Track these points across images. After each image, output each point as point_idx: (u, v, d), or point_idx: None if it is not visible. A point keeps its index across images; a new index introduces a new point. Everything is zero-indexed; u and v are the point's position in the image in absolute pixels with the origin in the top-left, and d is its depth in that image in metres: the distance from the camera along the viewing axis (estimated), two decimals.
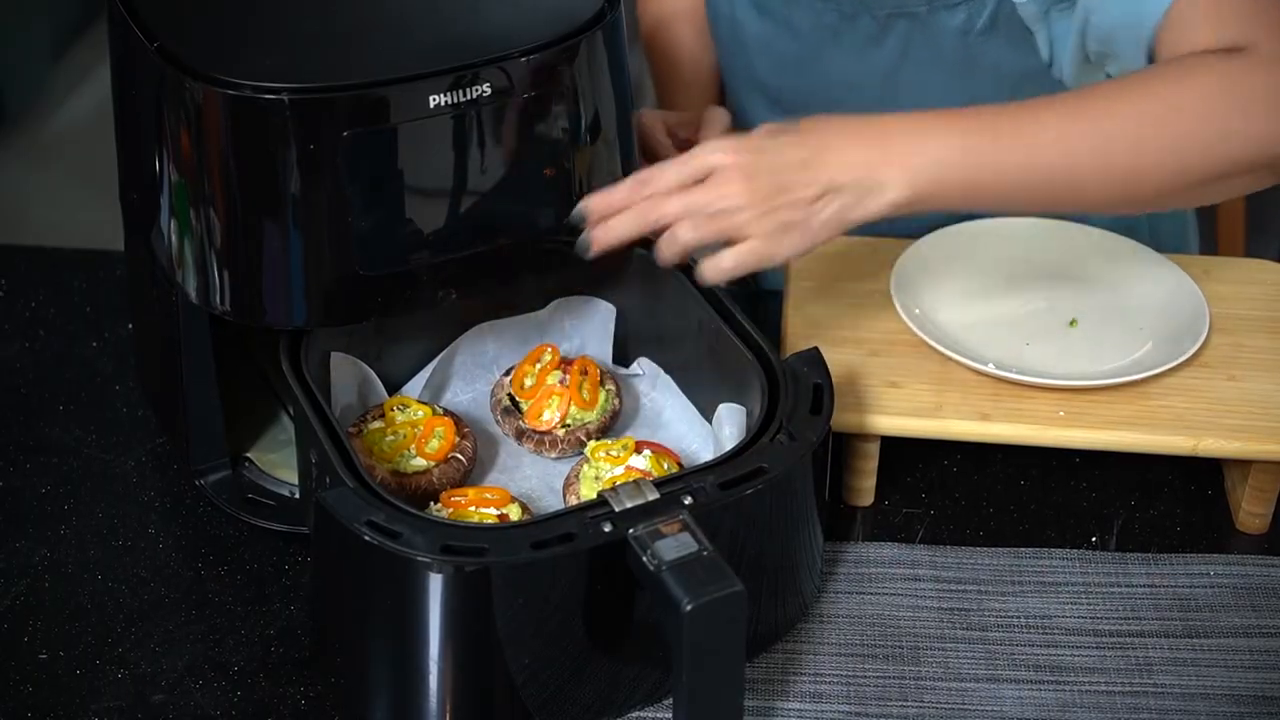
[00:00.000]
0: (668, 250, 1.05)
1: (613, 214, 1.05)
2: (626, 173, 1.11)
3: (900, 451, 1.20)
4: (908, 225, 1.34)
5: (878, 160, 1.04)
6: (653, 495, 0.97)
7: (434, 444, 1.13)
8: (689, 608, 0.89)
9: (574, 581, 0.95)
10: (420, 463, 1.13)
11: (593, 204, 1.05)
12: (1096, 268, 1.29)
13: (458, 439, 1.15)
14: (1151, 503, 1.20)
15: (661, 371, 1.23)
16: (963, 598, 1.12)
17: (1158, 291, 1.26)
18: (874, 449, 1.17)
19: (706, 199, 1.03)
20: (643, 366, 1.24)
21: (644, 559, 0.92)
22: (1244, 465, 1.17)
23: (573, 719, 1.01)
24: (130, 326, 1.32)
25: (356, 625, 1.00)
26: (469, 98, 1.01)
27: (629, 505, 0.96)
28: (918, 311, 1.23)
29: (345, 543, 0.96)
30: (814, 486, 1.05)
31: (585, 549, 0.94)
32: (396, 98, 1.00)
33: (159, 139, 1.05)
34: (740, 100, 1.45)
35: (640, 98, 3.04)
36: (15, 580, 1.12)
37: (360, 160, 1.00)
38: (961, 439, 1.16)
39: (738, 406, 1.11)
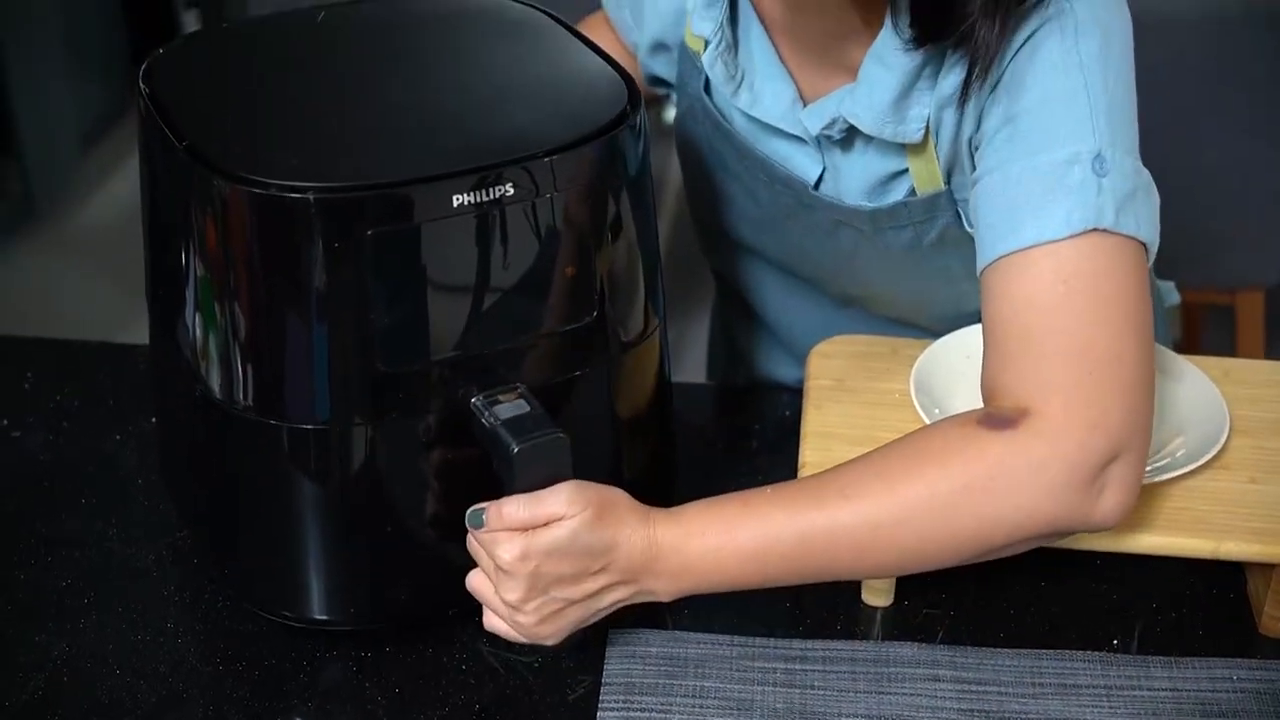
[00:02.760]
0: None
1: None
2: (648, 272, 1.13)
3: None
4: (825, 316, 1.37)
5: (648, 576, 1.07)
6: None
7: None
8: (517, 449, 1.02)
9: (424, 449, 1.07)
10: None
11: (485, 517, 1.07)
12: None
13: None
14: (1173, 605, 1.20)
15: None
16: (983, 699, 1.11)
17: (1177, 392, 1.26)
18: None
19: (488, 593, 1.07)
20: None
21: (483, 420, 1.05)
22: (1266, 568, 1.16)
23: (434, 602, 1.13)
24: (153, 420, 1.33)
25: (226, 501, 1.13)
26: (492, 197, 1.02)
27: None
28: (937, 412, 1.23)
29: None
30: (637, 382, 1.16)
31: (433, 417, 1.07)
32: (420, 197, 1.01)
33: (185, 235, 1.06)
34: (715, 244, 1.47)
35: (662, 193, 3.06)
36: (34, 674, 1.12)
37: (384, 258, 1.01)
38: None
39: None
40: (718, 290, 1.60)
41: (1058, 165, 1.08)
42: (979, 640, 1.17)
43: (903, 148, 1.21)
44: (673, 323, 1.20)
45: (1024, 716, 1.10)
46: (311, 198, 0.99)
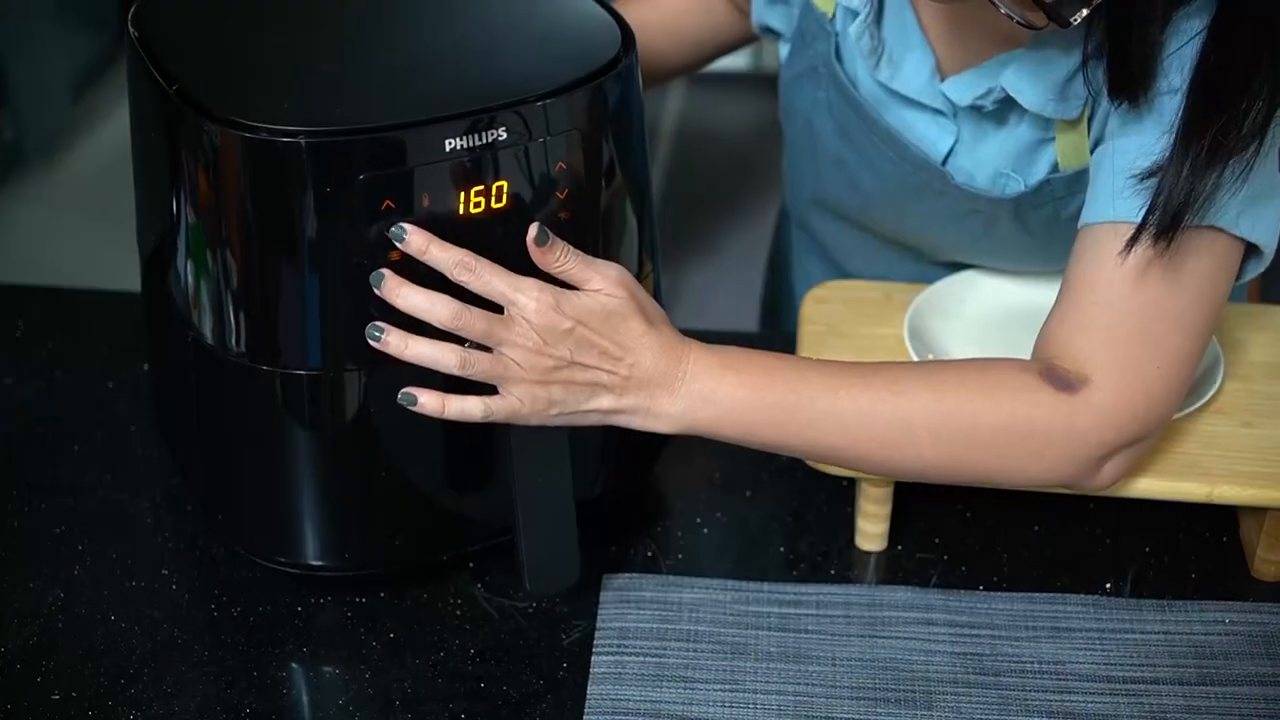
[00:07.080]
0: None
1: (428, 254, 1.01)
2: (641, 218, 1.12)
3: (913, 496, 1.20)
4: (921, 271, 1.35)
5: (664, 392, 1.05)
6: None
7: None
8: None
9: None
10: None
11: (417, 236, 1.01)
12: None
13: None
14: (1166, 549, 1.20)
15: None
16: (976, 642, 1.12)
17: None
18: (887, 494, 1.17)
19: (498, 336, 1.01)
20: None
21: None
22: (1259, 512, 1.16)
23: (429, 547, 1.13)
24: (146, 367, 1.33)
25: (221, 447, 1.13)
26: (485, 141, 1.02)
27: None
28: (931, 356, 1.23)
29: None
30: None
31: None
32: (412, 141, 1.00)
33: (176, 181, 1.05)
34: (799, 208, 1.43)
35: (655, 140, 3.05)
36: (28, 621, 1.12)
37: (376, 203, 1.00)
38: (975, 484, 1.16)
39: None
40: (792, 240, 1.52)
41: None
42: (972, 584, 1.17)
43: (1052, 120, 1.17)
44: (665, 270, 1.20)
45: (1017, 659, 1.10)
46: (303, 142, 0.98)
